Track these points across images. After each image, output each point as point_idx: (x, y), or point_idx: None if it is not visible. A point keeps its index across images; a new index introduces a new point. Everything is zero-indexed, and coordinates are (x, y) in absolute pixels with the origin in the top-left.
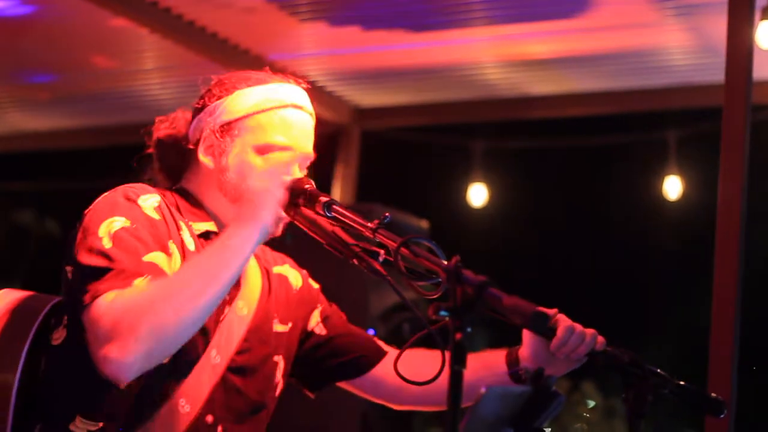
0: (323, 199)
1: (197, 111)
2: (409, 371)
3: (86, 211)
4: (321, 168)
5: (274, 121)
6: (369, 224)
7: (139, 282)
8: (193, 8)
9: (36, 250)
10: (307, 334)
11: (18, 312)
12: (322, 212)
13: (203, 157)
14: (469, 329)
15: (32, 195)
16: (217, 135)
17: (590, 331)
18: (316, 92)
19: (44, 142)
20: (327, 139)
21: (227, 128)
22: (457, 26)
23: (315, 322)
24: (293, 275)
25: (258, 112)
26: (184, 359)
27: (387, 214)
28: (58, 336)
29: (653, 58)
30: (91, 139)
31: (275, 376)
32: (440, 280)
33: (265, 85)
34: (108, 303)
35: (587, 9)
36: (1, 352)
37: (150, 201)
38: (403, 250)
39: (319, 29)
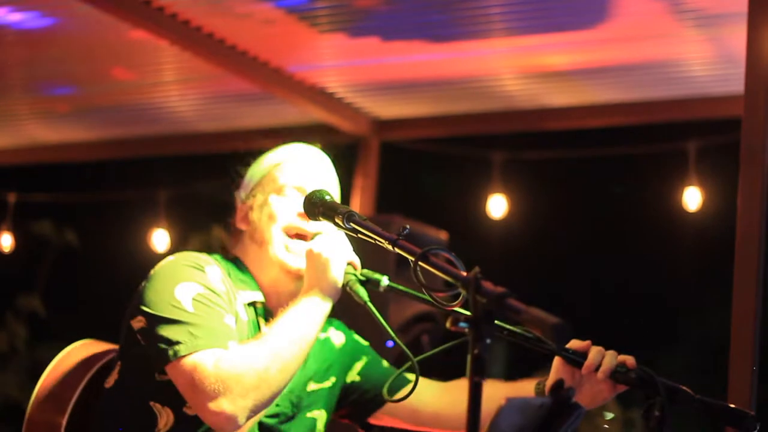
0: (342, 210)
1: (234, 193)
2: (454, 399)
3: (154, 272)
4: (340, 179)
5: (285, 168)
6: (388, 236)
7: (233, 344)
8: (212, 20)
9: (54, 261)
10: (347, 385)
11: (83, 360)
12: (341, 224)
13: (239, 225)
14: (488, 340)
15: (51, 206)
16: (244, 202)
17: (612, 353)
18: (335, 104)
19: (64, 154)
20: (346, 151)
21: (251, 193)
22: (476, 37)
23: (354, 374)
24: (336, 336)
25: (272, 168)
26: None
27: (406, 225)
28: (111, 380)
29: (672, 69)
30: (110, 151)
31: (314, 429)
32: (459, 291)
33: (278, 148)
34: (215, 361)
35: (606, 20)
36: (56, 396)
37: (215, 272)
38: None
39: (339, 41)
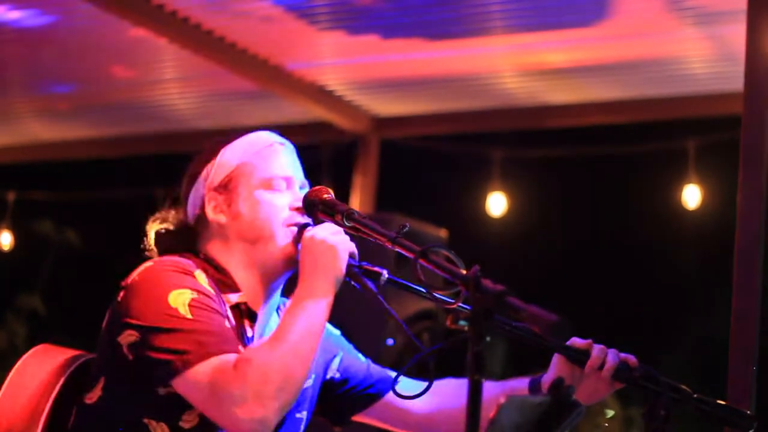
0: (342, 208)
1: (190, 184)
2: (443, 401)
3: (135, 283)
4: (340, 177)
5: (267, 158)
6: (388, 233)
7: (240, 347)
8: (211, 18)
9: (55, 259)
10: (326, 383)
11: (49, 367)
12: (341, 222)
13: (213, 217)
14: (487, 338)
15: (51, 205)
16: (218, 193)
17: (614, 351)
18: (334, 101)
19: (63, 152)
20: (346, 149)
21: (226, 182)
22: (475, 35)
23: (333, 369)
24: None
25: (249, 157)
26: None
27: (406, 223)
28: (92, 396)
29: (672, 66)
30: (110, 149)
31: (300, 430)
32: (459, 289)
33: (244, 135)
34: (235, 365)
35: (606, 18)
36: (27, 408)
37: (202, 276)
38: (422, 259)
39: (338, 38)
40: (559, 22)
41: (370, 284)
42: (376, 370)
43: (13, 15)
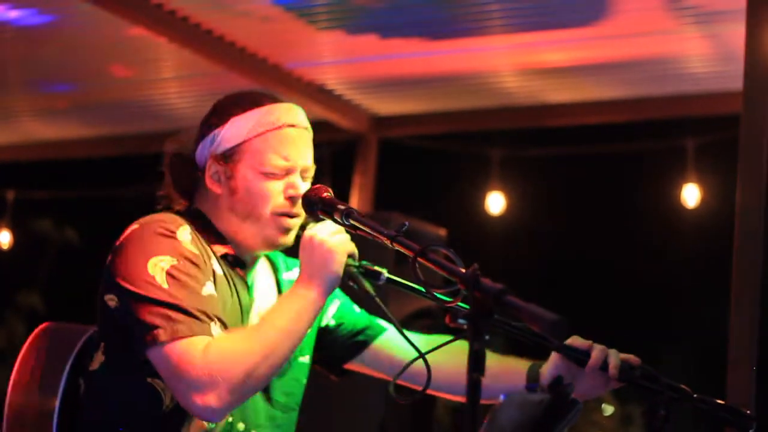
0: (341, 207)
1: (200, 137)
2: (439, 355)
3: (121, 244)
4: (339, 176)
5: (271, 143)
6: (387, 232)
7: (215, 329)
8: (211, 17)
9: (55, 258)
10: (321, 329)
11: (58, 342)
12: (340, 220)
13: (210, 185)
14: (486, 337)
15: (51, 203)
16: (220, 162)
17: (614, 351)
18: (333, 100)
19: (62, 151)
20: (345, 148)
21: (228, 155)
22: (474, 34)
23: (328, 317)
24: None
25: (255, 137)
26: None
27: (405, 222)
28: (95, 363)
29: (671, 65)
30: (108, 147)
31: (303, 376)
32: (458, 287)
33: (258, 108)
34: (201, 351)
35: (605, 17)
36: (43, 380)
37: (185, 234)
38: (421, 258)
39: (337, 38)
40: (558, 21)
41: (367, 285)
42: (366, 317)
43: (12, 14)
